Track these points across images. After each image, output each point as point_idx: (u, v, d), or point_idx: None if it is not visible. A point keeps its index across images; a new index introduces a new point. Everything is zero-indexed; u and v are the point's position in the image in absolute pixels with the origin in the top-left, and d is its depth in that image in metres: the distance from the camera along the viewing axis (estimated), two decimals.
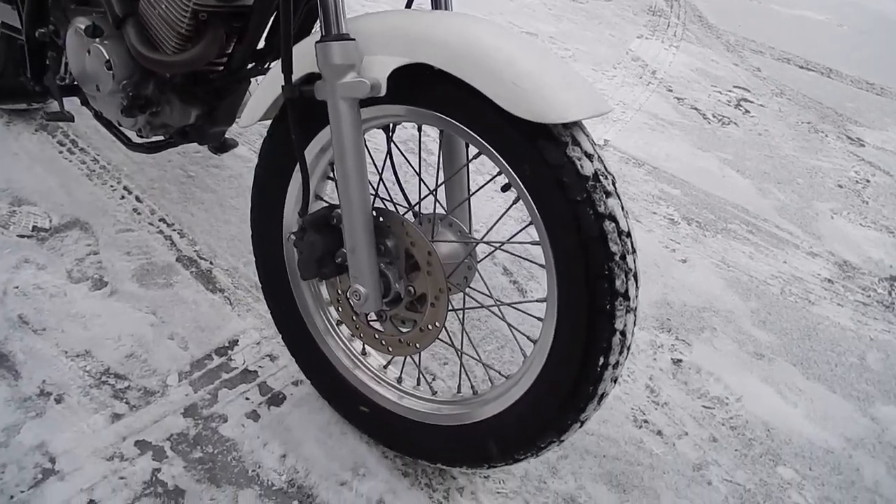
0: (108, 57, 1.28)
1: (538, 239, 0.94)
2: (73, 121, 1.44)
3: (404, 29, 0.96)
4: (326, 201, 1.17)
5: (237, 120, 1.41)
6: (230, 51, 1.28)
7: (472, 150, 1.03)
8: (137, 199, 1.76)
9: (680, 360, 1.55)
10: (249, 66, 1.32)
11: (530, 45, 0.96)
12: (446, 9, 1.15)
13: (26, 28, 1.43)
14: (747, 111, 2.98)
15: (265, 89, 1.11)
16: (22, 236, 1.57)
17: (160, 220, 1.69)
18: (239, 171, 1.92)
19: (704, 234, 2.05)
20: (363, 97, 0.96)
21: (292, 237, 1.12)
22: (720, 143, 2.66)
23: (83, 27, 1.30)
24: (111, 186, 1.78)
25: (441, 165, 1.18)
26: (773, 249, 2.04)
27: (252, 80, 1.40)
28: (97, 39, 1.29)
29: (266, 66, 1.35)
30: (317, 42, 0.96)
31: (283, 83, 0.99)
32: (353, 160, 0.98)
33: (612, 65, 3.20)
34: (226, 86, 1.33)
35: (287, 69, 0.98)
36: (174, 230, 1.67)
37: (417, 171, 1.21)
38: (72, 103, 1.47)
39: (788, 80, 3.45)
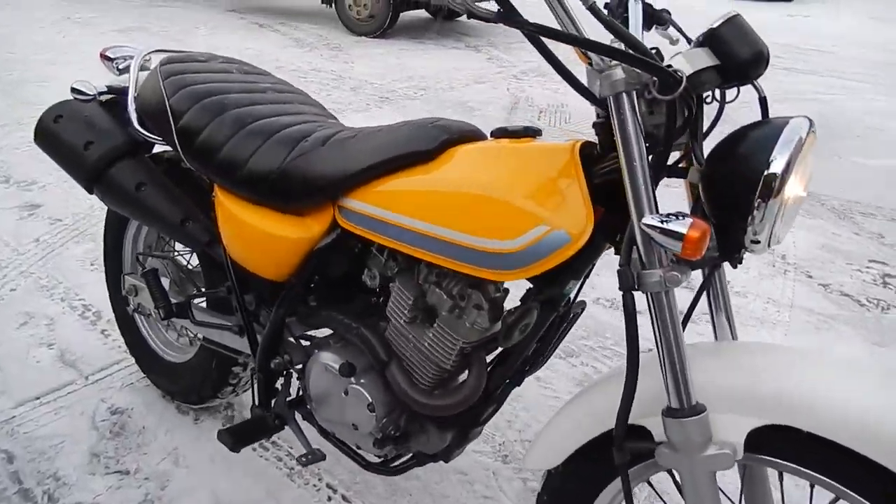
0: (370, 399, 1.24)
1: None
2: (325, 458, 1.38)
3: (747, 379, 0.90)
4: None
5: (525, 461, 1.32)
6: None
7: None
8: (344, 498, 1.67)
9: None
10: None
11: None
12: (733, 334, 1.09)
13: (260, 359, 1.42)
14: None
15: (563, 429, 1.05)
16: None
17: None
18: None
19: None
20: (725, 469, 0.87)
21: None
22: (893, 333, 2.51)
23: (336, 365, 1.28)
24: (314, 486, 1.70)
25: None
26: None
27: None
28: (353, 379, 1.26)
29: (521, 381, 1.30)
30: (665, 415, 0.90)
31: (614, 447, 0.92)
32: None
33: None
34: (485, 408, 1.27)
35: (621, 431, 0.91)
36: None
37: None
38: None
39: None
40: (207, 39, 6.66)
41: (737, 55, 0.90)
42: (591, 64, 0.94)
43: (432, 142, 1.16)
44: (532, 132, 1.11)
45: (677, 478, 0.96)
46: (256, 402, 1.46)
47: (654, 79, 0.86)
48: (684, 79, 0.84)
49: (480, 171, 1.09)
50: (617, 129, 0.89)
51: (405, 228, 1.15)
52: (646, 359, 1.01)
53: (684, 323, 1.14)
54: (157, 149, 1.63)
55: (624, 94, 0.88)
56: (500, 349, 1.24)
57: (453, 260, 1.08)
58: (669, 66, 0.86)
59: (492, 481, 1.72)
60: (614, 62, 0.87)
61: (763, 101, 0.96)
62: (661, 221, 0.83)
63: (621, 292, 0.88)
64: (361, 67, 5.93)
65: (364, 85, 5.42)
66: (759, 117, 0.97)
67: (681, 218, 0.82)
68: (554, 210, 1.00)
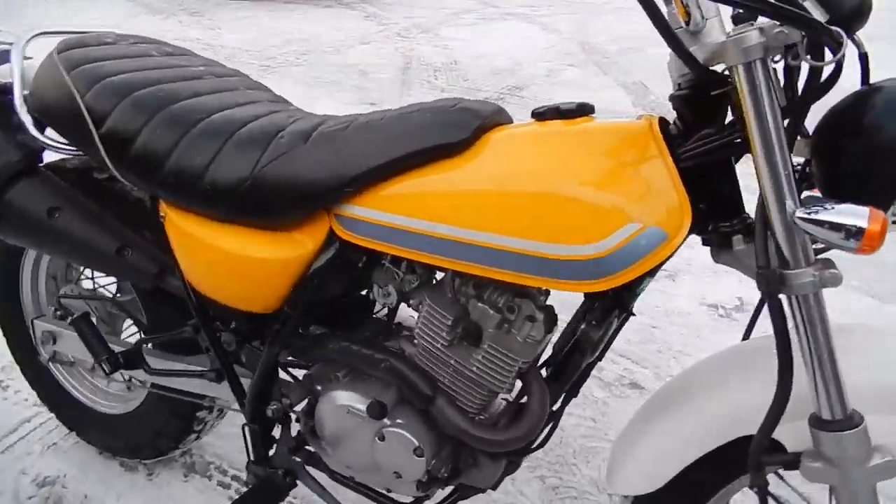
0: (416, 443, 1.03)
1: None
2: None
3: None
4: None
5: (607, 489, 1.17)
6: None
7: None
8: None
9: None
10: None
11: None
12: None
13: (252, 409, 1.17)
14: None
15: (661, 449, 0.92)
16: None
17: None
18: None
19: None
20: (890, 478, 0.77)
21: None
22: None
23: (361, 406, 1.06)
24: None
25: None
26: None
27: None
28: (386, 420, 1.05)
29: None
30: (816, 427, 0.78)
31: (750, 466, 0.80)
32: None
33: None
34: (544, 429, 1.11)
35: (761, 448, 0.79)
36: None
37: None
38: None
39: None
40: (35, 12, 5.77)
41: (841, 5, 0.77)
42: (687, 24, 0.77)
43: (463, 130, 0.95)
44: (588, 109, 0.93)
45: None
46: (252, 458, 1.21)
47: (802, 40, 0.71)
48: (846, 40, 0.69)
49: (538, 163, 0.90)
50: (749, 105, 0.73)
51: (440, 238, 0.94)
52: (753, 360, 0.90)
53: (753, 321, 1.04)
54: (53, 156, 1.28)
55: (759, 62, 0.72)
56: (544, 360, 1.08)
57: (519, 273, 0.90)
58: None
59: (509, 486, 1.58)
60: (745, 23, 0.71)
61: (864, 59, 0.84)
62: (817, 213, 0.70)
63: (767, 298, 0.74)
64: (231, 34, 5.40)
65: (239, 53, 4.93)
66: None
67: (848, 208, 0.68)
68: (643, 203, 0.84)
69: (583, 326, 0.97)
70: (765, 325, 0.80)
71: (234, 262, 1.09)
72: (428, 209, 0.95)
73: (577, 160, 0.88)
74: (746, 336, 1.04)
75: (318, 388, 1.15)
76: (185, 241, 1.13)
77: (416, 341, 1.06)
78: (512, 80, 4.60)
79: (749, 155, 0.77)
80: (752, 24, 0.73)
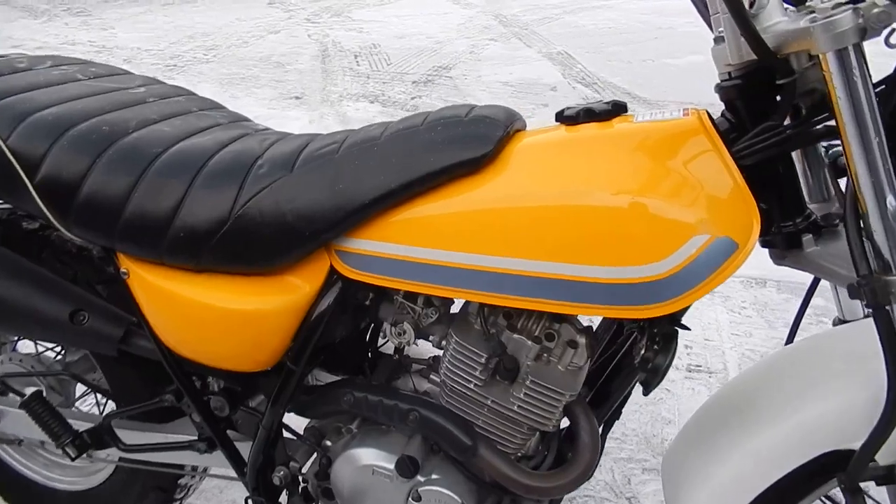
0: (459, 499, 0.92)
1: None
2: None
3: None
4: None
5: None
6: None
7: None
8: None
9: None
10: None
11: None
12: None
13: (254, 478, 1.02)
14: None
15: (734, 473, 0.84)
16: None
17: None
18: None
19: None
20: None
21: None
22: None
23: (388, 465, 0.93)
24: None
25: None
26: None
27: None
28: (420, 478, 0.93)
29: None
30: None
31: (848, 489, 0.74)
32: None
33: None
34: None
35: (860, 473, 0.73)
36: None
37: None
38: None
39: None
40: None
41: None
42: (752, 5, 0.68)
43: (484, 143, 0.83)
44: (621, 108, 0.83)
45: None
46: None
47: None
48: None
49: (578, 174, 0.79)
50: (842, 95, 0.65)
51: (469, 269, 0.82)
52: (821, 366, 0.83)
53: (797, 323, 0.98)
54: None
55: (852, 48, 0.63)
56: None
57: (570, 303, 0.79)
58: None
59: None
60: (840, 5, 0.62)
61: None
62: None
63: (873, 310, 0.67)
64: (126, 34, 4.98)
65: (139, 54, 4.55)
66: None
67: None
68: (707, 211, 0.74)
69: (642, 352, 0.88)
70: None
71: (219, 317, 0.93)
72: (449, 237, 0.83)
73: (624, 167, 0.78)
74: (790, 339, 0.98)
75: (328, 443, 1.01)
76: (156, 298, 0.96)
77: (441, 380, 0.94)
78: (436, 59, 4.46)
79: None
80: (832, 4, 0.64)
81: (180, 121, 1.02)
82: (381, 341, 1.12)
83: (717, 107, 0.81)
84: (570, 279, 0.78)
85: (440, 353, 0.96)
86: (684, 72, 4.22)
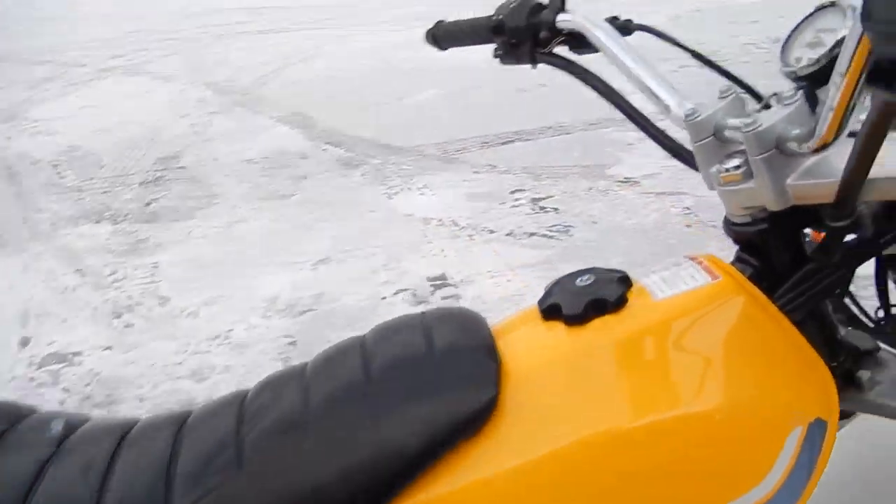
0: None
1: None
2: None
3: None
4: None
5: None
6: None
7: None
8: None
9: None
10: None
11: None
12: None
13: None
14: None
15: None
16: None
17: None
18: None
19: None
20: None
21: None
22: None
23: None
24: None
25: None
26: None
27: None
28: None
29: None
30: None
31: None
32: None
33: None
34: None
35: None
36: None
37: None
38: None
39: None
40: None
41: None
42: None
43: (484, 384, 0.57)
44: (625, 280, 0.62)
45: None
46: None
47: None
48: None
49: (623, 393, 0.57)
50: None
51: None
52: None
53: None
54: None
55: None
56: None
57: None
58: None
59: None
60: None
61: None
62: None
63: None
64: None
65: None
66: None
67: None
68: (789, 394, 0.59)
69: None
70: None
71: None
72: None
73: (680, 374, 0.57)
74: None
75: None
76: None
77: None
78: (158, 149, 3.88)
79: None
80: None
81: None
82: None
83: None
84: None
85: None
86: (423, 108, 4.23)
